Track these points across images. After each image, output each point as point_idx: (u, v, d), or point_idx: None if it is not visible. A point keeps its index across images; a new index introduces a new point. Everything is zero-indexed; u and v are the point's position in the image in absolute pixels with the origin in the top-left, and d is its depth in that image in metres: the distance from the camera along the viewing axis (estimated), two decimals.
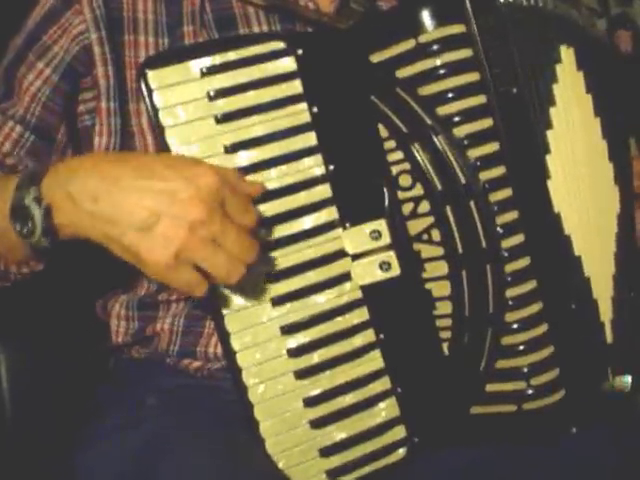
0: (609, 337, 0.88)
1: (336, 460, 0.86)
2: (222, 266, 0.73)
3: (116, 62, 0.86)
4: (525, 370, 0.82)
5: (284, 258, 0.84)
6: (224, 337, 0.83)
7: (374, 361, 0.87)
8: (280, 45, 0.83)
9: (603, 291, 0.88)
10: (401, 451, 0.88)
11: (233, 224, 0.72)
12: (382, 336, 0.85)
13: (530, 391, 0.82)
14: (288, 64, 0.83)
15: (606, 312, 0.89)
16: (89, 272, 0.97)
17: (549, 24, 0.89)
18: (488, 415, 0.84)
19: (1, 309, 0.96)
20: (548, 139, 0.85)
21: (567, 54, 0.90)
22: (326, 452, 0.86)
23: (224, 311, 0.83)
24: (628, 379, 0.88)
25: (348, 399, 0.86)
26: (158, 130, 0.79)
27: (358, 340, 0.86)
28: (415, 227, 0.82)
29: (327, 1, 0.93)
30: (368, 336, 0.86)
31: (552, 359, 0.82)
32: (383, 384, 0.87)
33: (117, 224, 0.71)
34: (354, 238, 0.83)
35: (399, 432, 0.88)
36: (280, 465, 0.85)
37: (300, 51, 0.82)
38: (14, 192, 0.75)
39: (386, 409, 0.88)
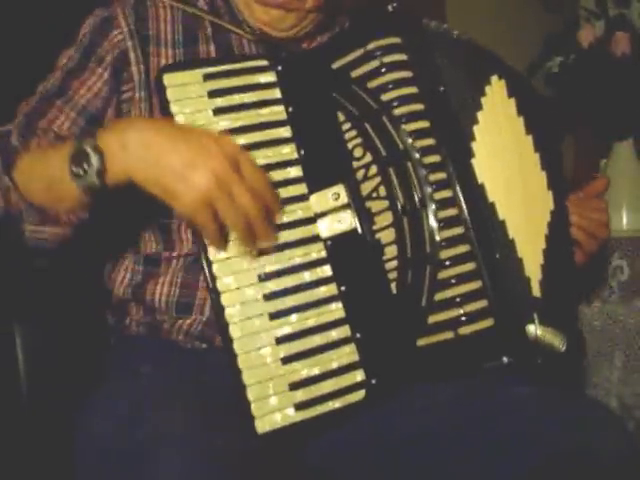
0: (536, 291, 1.05)
1: (303, 394, 0.99)
2: (232, 216, 0.93)
3: (144, 65, 1.12)
4: (458, 299, 0.99)
5: None
6: (212, 281, 1.00)
7: (336, 311, 1.02)
8: (264, 62, 1.09)
9: (529, 253, 1.06)
10: (362, 392, 1.01)
11: (246, 183, 0.93)
12: (343, 288, 1.03)
13: (463, 317, 0.98)
14: (270, 77, 1.08)
15: (533, 271, 1.06)
16: (102, 242, 1.16)
17: (480, 55, 1.14)
18: (432, 346, 0.99)
19: (18, 292, 1.16)
20: (474, 131, 1.07)
21: (497, 82, 1.13)
22: (294, 386, 0.99)
23: (212, 259, 1.01)
24: (561, 343, 1.03)
25: (314, 342, 1.01)
26: (168, 117, 1.03)
27: (322, 291, 1.03)
28: (367, 188, 1.03)
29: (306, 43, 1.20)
30: (331, 289, 1.03)
31: (480, 292, 1.00)
32: (344, 332, 1.02)
33: (161, 167, 0.91)
34: (319, 200, 1.04)
35: (358, 375, 1.01)
36: (255, 395, 0.98)
37: (280, 67, 1.08)
38: (75, 141, 0.95)
39: (347, 354, 1.02)
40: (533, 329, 1.02)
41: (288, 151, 1.06)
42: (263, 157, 1.04)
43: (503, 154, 1.09)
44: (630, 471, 0.96)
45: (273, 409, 0.99)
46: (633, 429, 1.77)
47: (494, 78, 1.13)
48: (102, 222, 1.05)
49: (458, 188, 1.02)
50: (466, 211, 1.01)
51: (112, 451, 0.92)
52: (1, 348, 1.20)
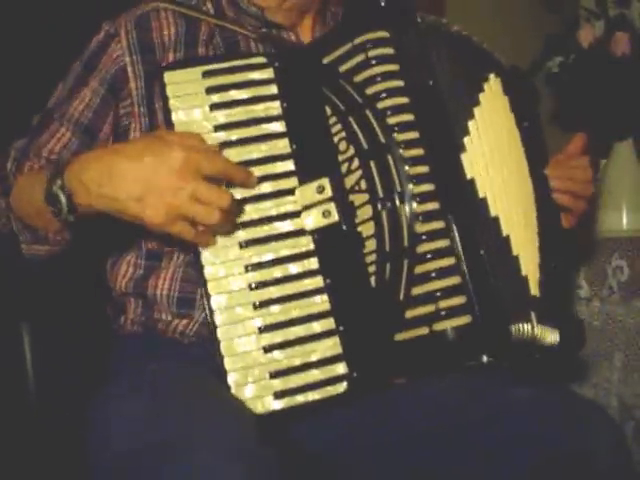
0: (534, 290, 1.06)
1: (283, 383, 1.02)
2: (200, 214, 0.97)
3: (146, 80, 1.15)
4: (434, 295, 0.99)
5: (254, 212, 1.05)
6: (200, 269, 1.03)
7: (321, 304, 1.04)
8: (262, 60, 1.10)
9: (525, 251, 1.07)
10: (343, 384, 1.03)
11: (203, 180, 0.97)
12: (329, 281, 1.04)
13: (441, 313, 0.98)
14: (267, 74, 1.09)
15: (530, 270, 1.07)
16: (104, 240, 1.19)
17: (478, 52, 1.15)
18: (409, 341, 1.00)
19: (28, 293, 1.20)
20: (469, 126, 1.07)
21: (495, 80, 1.15)
22: (275, 375, 1.02)
23: (201, 247, 1.04)
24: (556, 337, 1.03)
25: (297, 332, 1.03)
26: (167, 112, 1.06)
27: (308, 283, 1.05)
28: (350, 181, 1.04)
29: (307, 37, 1.22)
30: (317, 281, 1.05)
31: (458, 288, 0.99)
32: (328, 324, 1.04)
33: (119, 200, 0.98)
34: (304, 193, 1.05)
35: (340, 368, 1.03)
36: (235, 381, 1.00)
37: (277, 64, 1.09)
38: (46, 183, 1.02)
39: (330, 346, 1.04)
40: (529, 328, 1.02)
41: (282, 145, 1.07)
42: (257, 151, 1.06)
43: (499, 150, 1.09)
44: (625, 472, 0.98)
45: (253, 396, 1.01)
46: (633, 429, 1.77)
47: (492, 75, 1.14)
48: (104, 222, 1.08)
49: (440, 182, 1.02)
50: (448, 205, 1.01)
51: (130, 453, 0.93)
52: (9, 347, 1.24)
